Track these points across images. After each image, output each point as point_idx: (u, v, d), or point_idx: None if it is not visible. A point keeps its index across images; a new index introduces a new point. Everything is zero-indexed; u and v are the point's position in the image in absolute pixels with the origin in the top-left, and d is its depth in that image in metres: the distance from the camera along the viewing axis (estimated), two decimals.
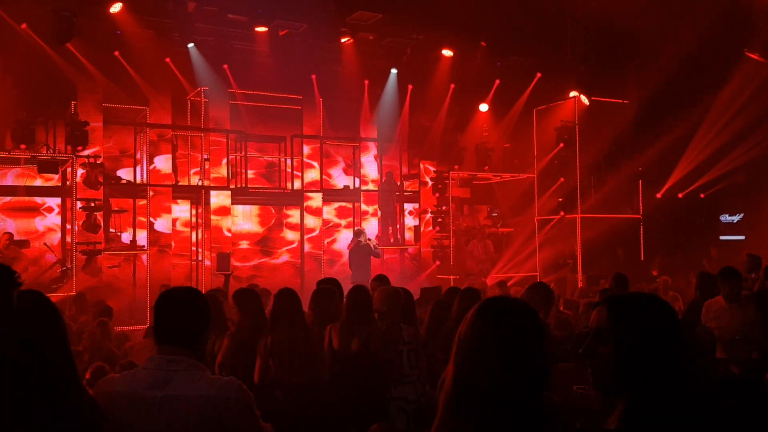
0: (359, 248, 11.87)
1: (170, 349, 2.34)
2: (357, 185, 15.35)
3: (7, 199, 12.43)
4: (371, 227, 15.35)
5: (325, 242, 14.83)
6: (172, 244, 13.64)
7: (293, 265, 14.75)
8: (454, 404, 1.52)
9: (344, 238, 15.02)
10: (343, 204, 15.54)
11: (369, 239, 12.03)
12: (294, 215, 14.97)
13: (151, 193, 12.77)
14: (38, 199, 12.78)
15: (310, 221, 14.57)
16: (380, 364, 4.72)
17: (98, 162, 11.92)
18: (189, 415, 2.24)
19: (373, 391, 4.76)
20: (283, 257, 14.97)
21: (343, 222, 15.59)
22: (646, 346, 1.63)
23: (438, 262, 14.78)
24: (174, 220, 13.76)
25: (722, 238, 16.03)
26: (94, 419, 2.03)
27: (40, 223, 12.76)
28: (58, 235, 12.81)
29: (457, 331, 1.60)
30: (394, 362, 4.74)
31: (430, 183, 15.18)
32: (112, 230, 12.63)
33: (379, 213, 15.15)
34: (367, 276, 10.76)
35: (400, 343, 4.78)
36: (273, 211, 15.10)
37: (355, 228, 13.37)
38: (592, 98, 14.37)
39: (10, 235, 11.57)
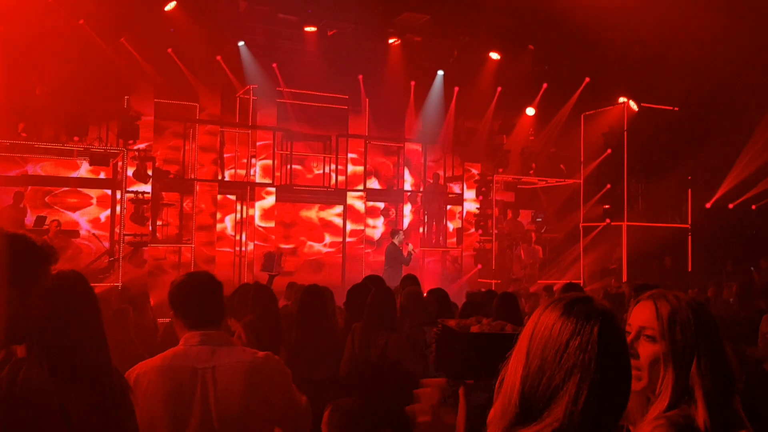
0: (391, 249, 11.92)
1: (206, 330, 2.53)
2: (400, 186, 15.37)
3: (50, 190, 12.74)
4: (409, 228, 15.36)
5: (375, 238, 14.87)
6: (218, 238, 13.84)
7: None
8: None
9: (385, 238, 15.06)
10: (372, 204, 15.49)
11: (403, 242, 12.01)
12: (334, 214, 15.07)
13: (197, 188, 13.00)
14: (87, 191, 13.08)
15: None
16: (401, 373, 4.53)
17: (148, 155, 12.17)
18: (238, 381, 2.44)
19: (390, 399, 4.65)
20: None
21: (378, 223, 15.60)
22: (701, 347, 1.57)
23: (480, 266, 14.68)
24: (219, 216, 13.96)
25: None
26: (125, 403, 2.07)
27: (79, 214, 13.02)
28: (91, 227, 13.02)
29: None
30: (417, 371, 4.58)
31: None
32: (159, 223, 12.87)
33: (425, 215, 15.14)
34: (397, 277, 10.76)
35: (423, 347, 4.69)
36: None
37: (392, 229, 13.38)
38: (642, 104, 14.11)
39: (58, 222, 11.86)
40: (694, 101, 13.97)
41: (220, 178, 13.80)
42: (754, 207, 15.29)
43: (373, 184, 15.59)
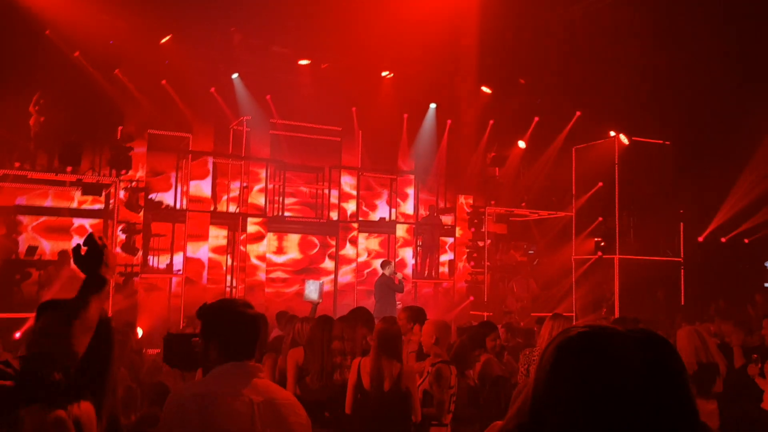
0: (383, 281, 11.87)
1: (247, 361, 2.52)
2: (393, 217, 15.38)
3: (42, 219, 12.73)
4: (406, 259, 15.34)
5: (365, 273, 14.83)
6: (209, 268, 13.81)
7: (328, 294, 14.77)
8: None
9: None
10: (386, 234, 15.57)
11: (395, 273, 11.96)
12: (333, 244, 15.06)
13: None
14: (80, 221, 13.08)
15: (351, 252, 14.63)
16: (411, 403, 4.57)
17: (140, 186, 12.20)
18: (281, 418, 2.45)
19: (401, 427, 4.66)
20: (326, 286, 14.97)
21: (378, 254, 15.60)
22: None
23: (472, 298, 14.63)
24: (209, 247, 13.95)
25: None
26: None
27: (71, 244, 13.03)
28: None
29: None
30: (442, 406, 4.62)
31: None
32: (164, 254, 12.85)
33: (418, 246, 15.13)
34: (391, 309, 10.71)
35: (447, 387, 4.65)
36: (316, 241, 15.17)
37: (382, 260, 13.38)
38: (633, 138, 14.20)
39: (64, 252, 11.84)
40: (686, 135, 14.06)
41: (212, 208, 13.81)
42: (746, 241, 15.30)
43: (380, 213, 15.61)
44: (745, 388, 5.61)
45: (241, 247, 13.67)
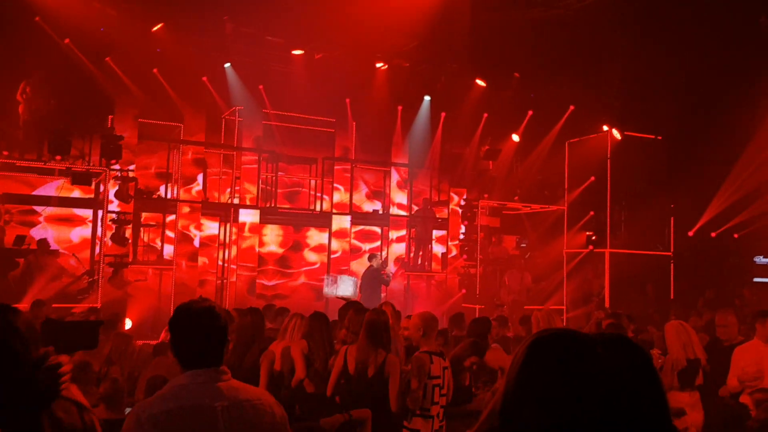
0: (369, 273, 11.93)
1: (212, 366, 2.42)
2: (386, 210, 15.34)
3: (50, 209, 12.60)
4: (398, 252, 15.32)
5: (351, 265, 14.79)
6: (200, 259, 13.71)
7: (311, 287, 14.72)
8: None
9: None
10: (366, 228, 15.47)
11: (383, 265, 12.04)
12: (313, 237, 14.97)
13: (187, 209, 12.90)
14: (78, 211, 12.94)
15: (333, 244, 14.56)
16: (395, 392, 4.72)
17: (130, 176, 12.08)
18: (249, 420, 2.38)
19: (384, 418, 4.76)
20: (301, 279, 14.93)
21: (367, 246, 15.55)
22: None
23: (464, 291, 14.64)
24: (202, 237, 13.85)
25: (756, 279, 15.64)
26: None
27: (75, 233, 12.91)
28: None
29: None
30: (416, 394, 4.65)
31: (460, 211, 15.14)
32: (153, 244, 12.75)
33: (409, 238, 15.11)
34: (376, 300, 10.79)
35: (426, 376, 4.70)
36: (293, 231, 15.07)
37: (369, 252, 13.40)
38: (625, 133, 14.23)
39: (43, 241, 11.72)
40: (678, 131, 14.10)
41: (202, 199, 13.70)
42: (736, 236, 15.39)
43: (374, 206, 15.56)
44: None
45: (233, 238, 13.58)
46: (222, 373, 2.40)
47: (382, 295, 12.05)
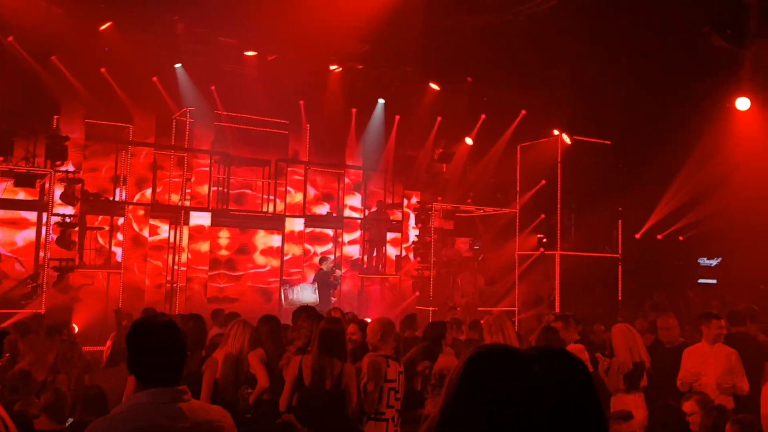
0: (319, 276, 11.98)
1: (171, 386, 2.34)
2: (340, 212, 15.31)
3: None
4: (350, 254, 15.29)
5: (304, 266, 14.72)
6: (148, 263, 13.45)
7: (260, 290, 14.58)
8: None
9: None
10: (317, 230, 15.36)
11: (333, 269, 12.07)
12: (260, 239, 14.83)
13: (141, 212, 12.62)
14: (25, 213, 12.54)
15: (279, 245, 14.48)
16: (352, 398, 4.69)
17: (76, 178, 11.78)
18: None
19: (342, 427, 4.71)
20: (249, 282, 14.76)
21: (318, 249, 15.48)
22: None
23: (417, 293, 14.70)
24: (151, 240, 13.59)
25: (701, 281, 16.12)
26: None
27: (21, 237, 12.52)
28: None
29: None
30: (371, 396, 4.66)
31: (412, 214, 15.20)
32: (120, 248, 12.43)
33: (362, 240, 15.10)
34: (325, 303, 10.81)
35: (382, 380, 4.72)
36: (240, 233, 14.87)
37: (320, 256, 13.40)
38: (575, 137, 14.48)
39: None
40: (626, 136, 14.42)
41: (151, 202, 13.45)
42: (681, 238, 15.83)
43: (324, 209, 15.50)
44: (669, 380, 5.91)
45: (184, 241, 13.36)
46: (183, 392, 2.32)
47: (333, 299, 12.04)
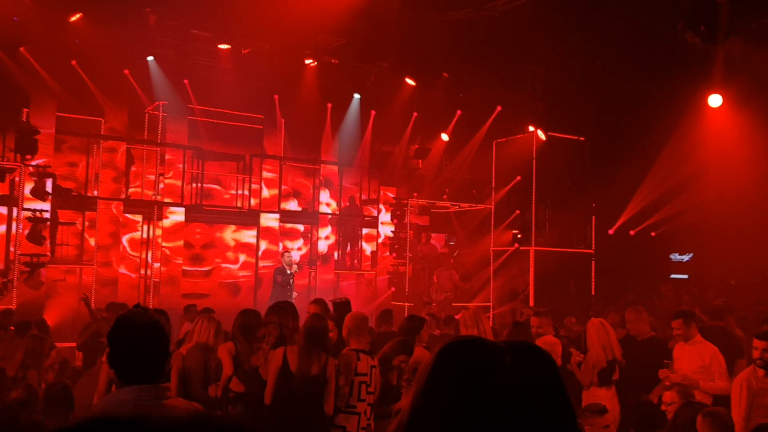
0: (278, 270, 12.07)
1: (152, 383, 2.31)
2: (314, 208, 15.24)
3: None
4: (323, 250, 15.24)
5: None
6: (121, 258, 13.27)
7: (230, 286, 14.48)
8: None
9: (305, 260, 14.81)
10: (287, 225, 15.25)
11: (290, 263, 12.14)
12: (228, 234, 14.72)
13: (115, 209, 12.44)
14: None
15: (250, 240, 14.37)
16: (331, 395, 4.77)
17: (47, 171, 11.57)
18: None
19: (317, 415, 4.75)
20: (219, 277, 14.64)
21: (294, 244, 15.40)
22: None
23: (393, 289, 14.71)
24: (123, 235, 13.41)
25: (673, 276, 16.36)
26: None
27: None
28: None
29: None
30: (342, 390, 4.69)
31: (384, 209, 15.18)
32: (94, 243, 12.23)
33: (335, 237, 15.06)
34: (281, 297, 10.77)
35: (353, 374, 4.78)
36: (209, 228, 14.71)
37: (282, 250, 13.41)
38: (549, 133, 14.58)
39: None
40: (599, 132, 14.56)
41: (124, 196, 13.26)
42: (653, 234, 16.05)
43: (293, 205, 15.41)
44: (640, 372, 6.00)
45: (157, 237, 13.21)
46: (165, 389, 2.30)
47: (294, 293, 12.03)
